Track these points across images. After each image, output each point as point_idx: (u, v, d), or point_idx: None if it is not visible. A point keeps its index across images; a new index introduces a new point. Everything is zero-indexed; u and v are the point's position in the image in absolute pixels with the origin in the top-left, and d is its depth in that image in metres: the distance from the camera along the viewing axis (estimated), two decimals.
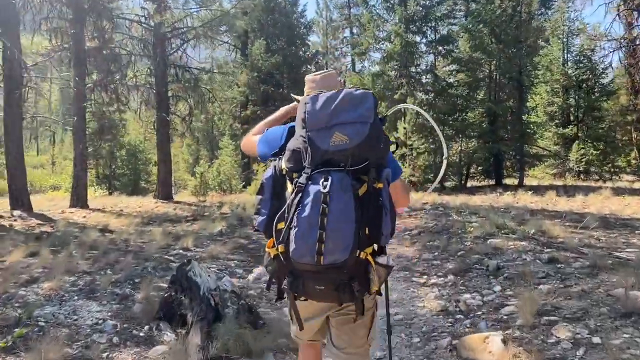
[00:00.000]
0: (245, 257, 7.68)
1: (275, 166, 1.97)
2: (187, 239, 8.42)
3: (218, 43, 30.33)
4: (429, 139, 20.24)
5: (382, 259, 1.91)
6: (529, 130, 21.67)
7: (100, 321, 4.45)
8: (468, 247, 7.43)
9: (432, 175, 21.23)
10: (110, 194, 26.38)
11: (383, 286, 2.10)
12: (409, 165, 18.99)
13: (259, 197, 1.96)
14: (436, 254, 7.41)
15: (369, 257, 1.83)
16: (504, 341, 3.65)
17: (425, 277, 6.25)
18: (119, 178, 27.64)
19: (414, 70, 21.57)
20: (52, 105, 49.09)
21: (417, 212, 11.89)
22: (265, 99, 29.24)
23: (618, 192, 16.00)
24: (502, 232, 8.13)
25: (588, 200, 14.32)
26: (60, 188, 28.35)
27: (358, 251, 1.77)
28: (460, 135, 22.01)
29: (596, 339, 3.76)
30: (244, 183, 26.18)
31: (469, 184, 23.72)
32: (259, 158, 2.27)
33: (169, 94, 18.17)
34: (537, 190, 18.59)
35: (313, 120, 1.88)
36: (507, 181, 22.85)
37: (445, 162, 2.85)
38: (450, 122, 21.82)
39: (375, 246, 1.89)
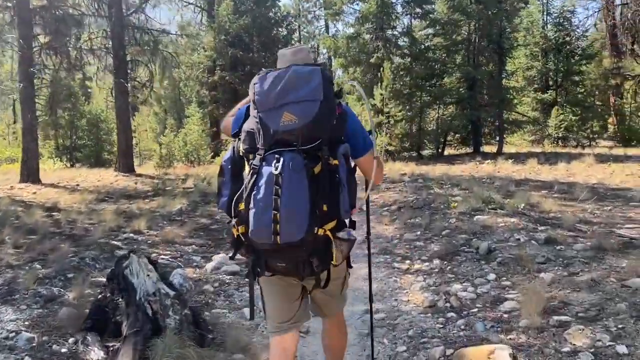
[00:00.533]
0: (206, 240, 6.87)
1: (234, 147, 2.03)
2: (141, 220, 7.54)
3: (182, 4, 28.98)
4: (406, 106, 19.45)
5: (342, 234, 1.93)
6: (508, 96, 21.03)
7: (12, 334, 3.60)
8: (453, 225, 6.76)
9: (408, 144, 20.55)
10: (71, 166, 25.01)
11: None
12: (386, 134, 18.23)
13: (220, 178, 2.04)
14: (419, 233, 6.73)
15: (328, 233, 1.87)
16: (514, 357, 2.95)
17: (408, 262, 5.55)
18: (80, 149, 26.17)
19: (390, 33, 20.57)
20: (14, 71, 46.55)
21: (395, 185, 11.20)
22: (234, 64, 27.86)
23: (601, 159, 15.58)
24: (489, 207, 7.47)
25: (571, 168, 13.85)
26: (18, 160, 26.84)
27: (316, 228, 1.81)
28: (437, 102, 21.26)
29: (621, 348, 3.09)
30: (212, 154, 25.12)
31: (446, 152, 23.15)
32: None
33: (127, 58, 16.85)
34: (517, 158, 18.09)
35: (262, 100, 1.91)
36: (486, 149, 22.33)
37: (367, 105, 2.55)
38: (428, 88, 21.03)
39: (335, 222, 1.90)
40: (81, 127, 25.74)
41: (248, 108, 2.07)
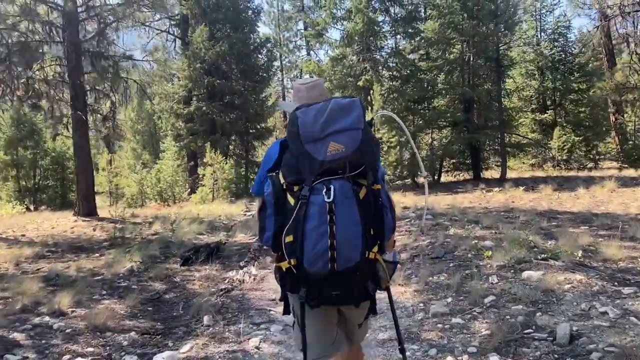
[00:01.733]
0: (152, 323, 4.91)
1: (274, 181, 2.05)
2: (69, 293, 5.56)
3: (154, 32, 27.32)
4: (399, 132, 17.80)
5: (388, 256, 2.05)
6: (508, 117, 19.52)
7: None
8: (497, 288, 4.91)
9: (404, 172, 18.84)
10: (35, 209, 22.83)
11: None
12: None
13: (262, 213, 2.06)
14: (449, 300, 4.86)
15: (377, 256, 1.95)
16: None
17: (450, 358, 3.66)
18: (44, 191, 24.05)
19: (378, 54, 19.10)
20: None
21: (399, 222, 9.36)
22: (211, 93, 26.18)
23: (621, 182, 13.97)
24: (537, 256, 5.65)
25: (595, 194, 12.19)
26: None
27: (367, 252, 1.89)
28: (431, 126, 19.69)
29: None
30: (189, 190, 23.17)
31: (443, 179, 21.50)
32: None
33: (87, 87, 15.02)
34: (525, 184, 16.45)
35: (307, 132, 1.97)
36: (486, 174, 20.74)
37: (425, 181, 2.79)
38: (421, 111, 19.47)
39: (380, 245, 1.97)
40: (45, 167, 23.64)
41: (282, 142, 2.13)
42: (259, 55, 28.06)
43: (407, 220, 9.48)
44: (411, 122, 19.41)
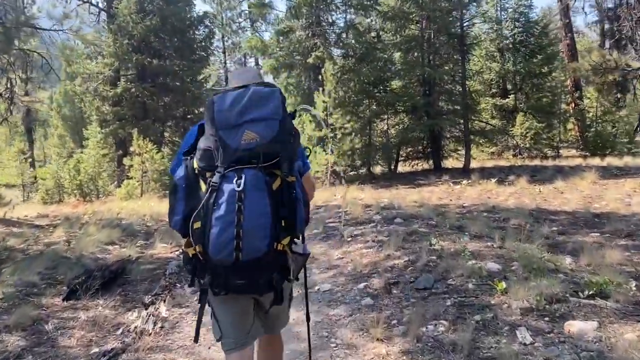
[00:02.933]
0: None
1: (187, 165, 2.04)
2: None
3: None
4: (355, 115, 16.04)
5: (298, 248, 2.05)
6: (472, 102, 18.10)
7: None
8: (538, 356, 3.14)
9: (359, 162, 17.14)
10: None
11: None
12: (332, 151, 14.69)
13: (172, 196, 2.03)
14: None
15: (286, 248, 1.95)
16: None
17: None
18: None
19: (329, 29, 17.18)
20: None
21: (362, 227, 7.58)
22: (142, 74, 23.55)
23: (600, 173, 12.78)
24: (575, 292, 3.95)
25: (577, 187, 10.87)
26: None
27: (275, 243, 1.89)
28: (388, 110, 18.02)
29: None
30: (116, 182, 20.60)
31: (400, 169, 19.97)
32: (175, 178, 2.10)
33: None
34: (491, 174, 15.10)
35: (222, 119, 1.95)
36: (447, 164, 19.34)
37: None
38: (377, 94, 17.73)
39: (290, 237, 1.98)
40: None
41: (200, 126, 2.10)
42: (196, 32, 25.56)
43: (372, 225, 7.68)
44: (366, 106, 17.69)
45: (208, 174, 1.95)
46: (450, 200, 10.33)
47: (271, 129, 1.95)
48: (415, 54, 17.90)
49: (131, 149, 18.60)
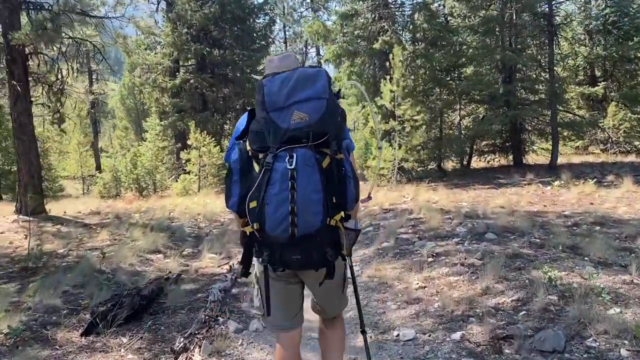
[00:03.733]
0: None
1: (240, 148, 2.15)
2: None
3: None
4: (425, 106, 14.58)
5: (350, 224, 2.12)
6: (560, 90, 16.07)
7: None
8: None
9: (428, 157, 15.66)
10: None
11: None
12: (399, 146, 13.36)
13: (228, 179, 2.16)
14: None
15: (339, 223, 2.02)
16: None
17: None
18: (7, 177, 20.97)
19: (398, 11, 15.73)
20: None
21: (443, 244, 6.27)
22: (201, 64, 23.00)
23: None
24: None
25: None
26: None
27: (328, 219, 1.97)
28: (463, 99, 16.39)
29: None
30: (173, 176, 20.13)
31: (473, 164, 18.30)
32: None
33: (27, 50, 11.83)
34: (582, 172, 13.27)
35: (271, 101, 2.05)
36: (528, 159, 17.45)
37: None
38: (450, 82, 16.14)
39: (343, 213, 2.04)
40: (7, 149, 20.51)
41: (251, 111, 2.23)
42: (256, 20, 24.74)
43: (457, 241, 6.35)
44: (437, 95, 16.16)
45: (260, 155, 2.04)
46: (545, 206, 8.78)
47: (319, 108, 2.01)
48: (494, 37, 16.12)
49: (189, 141, 17.98)
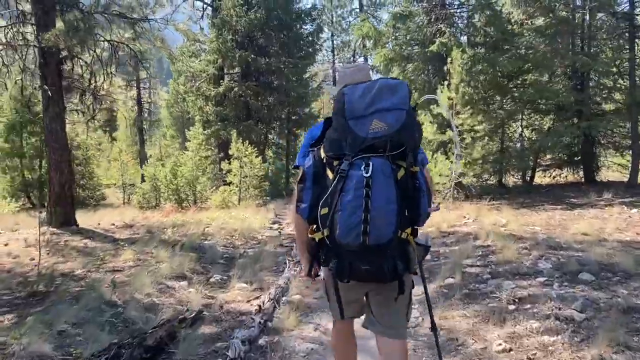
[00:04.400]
0: None
1: (314, 155, 2.20)
2: None
3: None
4: (487, 114, 13.25)
5: (420, 239, 2.12)
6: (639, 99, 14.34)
7: None
8: None
9: (491, 176, 14.28)
10: (31, 207, 19.74)
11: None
12: (459, 158, 12.09)
13: (300, 185, 2.20)
14: None
15: (409, 238, 2.05)
16: None
17: None
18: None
19: (457, 12, 14.48)
20: None
21: (525, 279, 5.04)
22: (245, 72, 22.36)
23: None
24: None
25: None
26: None
27: (400, 231, 1.97)
28: (527, 109, 14.92)
29: None
30: (215, 187, 19.43)
31: (537, 180, 16.74)
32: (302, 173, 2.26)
33: (61, 54, 11.31)
34: None
35: (352, 109, 2.04)
36: (601, 175, 15.75)
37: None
38: (513, 89, 14.70)
39: (411, 227, 2.07)
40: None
41: (327, 120, 2.22)
42: (304, 26, 23.94)
43: (542, 281, 5.08)
44: (499, 104, 14.77)
45: (335, 162, 2.04)
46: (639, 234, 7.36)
47: (399, 118, 1.99)
48: (564, 39, 14.60)
49: (230, 151, 17.23)
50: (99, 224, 13.39)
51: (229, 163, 16.99)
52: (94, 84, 11.23)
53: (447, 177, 12.36)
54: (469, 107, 12.07)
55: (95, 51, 11.12)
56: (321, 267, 2.28)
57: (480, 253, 6.63)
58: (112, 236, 10.78)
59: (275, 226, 12.24)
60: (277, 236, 10.87)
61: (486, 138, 12.03)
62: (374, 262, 1.97)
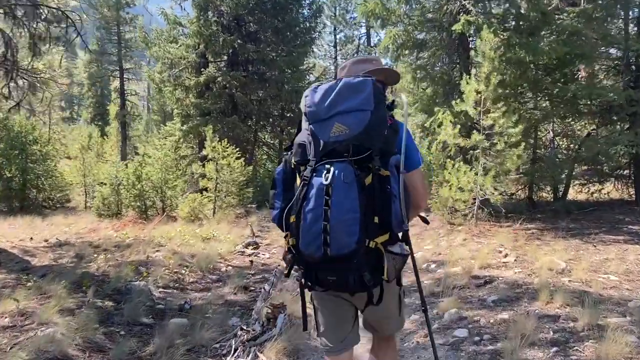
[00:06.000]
0: None
1: (286, 160, 2.16)
2: None
3: None
4: (521, 114, 10.65)
5: (395, 247, 1.99)
6: None
7: None
8: None
9: (517, 191, 11.70)
10: None
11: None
12: (484, 169, 9.51)
13: (272, 191, 2.18)
14: None
15: (380, 246, 1.91)
16: None
17: None
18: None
19: None
20: None
21: None
22: (232, 60, 19.75)
23: None
24: None
25: None
26: None
27: (367, 240, 1.87)
28: (564, 110, 12.27)
29: None
30: (193, 190, 16.81)
31: (571, 196, 14.15)
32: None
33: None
34: None
35: (313, 112, 2.04)
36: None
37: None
38: (546, 87, 12.02)
39: (388, 235, 1.96)
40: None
41: (299, 122, 2.18)
42: (300, 10, 21.33)
43: None
44: (532, 103, 12.18)
45: (302, 168, 2.02)
46: None
47: (362, 120, 1.94)
48: (614, 24, 11.98)
49: (204, 151, 14.61)
50: (31, 238, 10.85)
51: (202, 165, 14.40)
52: (9, 57, 8.55)
53: (471, 192, 9.78)
54: (502, 103, 9.45)
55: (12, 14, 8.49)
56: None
57: (552, 334, 4.06)
58: (28, 261, 8.26)
59: (250, 250, 9.65)
60: (248, 267, 8.31)
61: (523, 144, 9.42)
62: (339, 273, 1.93)
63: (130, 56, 34.20)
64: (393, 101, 2.12)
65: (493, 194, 9.54)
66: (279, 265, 7.79)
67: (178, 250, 8.82)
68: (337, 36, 44.92)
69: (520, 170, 11.56)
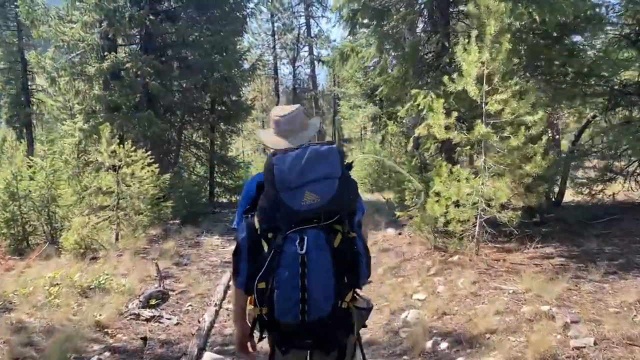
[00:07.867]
0: None
1: (249, 224, 2.10)
2: None
3: None
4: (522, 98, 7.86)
5: (361, 303, 2.07)
6: None
7: None
8: None
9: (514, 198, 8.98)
10: None
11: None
12: (491, 174, 6.72)
13: (236, 257, 2.13)
14: None
15: (350, 304, 2.01)
16: None
17: None
18: None
19: None
20: None
21: None
22: (147, 43, 16.15)
23: None
24: None
25: None
26: None
27: (340, 301, 1.96)
28: (566, 91, 9.66)
29: None
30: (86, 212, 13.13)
31: (569, 196, 11.70)
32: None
33: None
34: None
35: (282, 180, 2.00)
36: None
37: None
38: (556, 56, 9.32)
39: (352, 291, 2.03)
40: None
41: (258, 183, 2.14)
42: None
43: None
44: (543, 81, 9.48)
45: (270, 235, 1.99)
46: None
47: (330, 188, 1.98)
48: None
49: (99, 157, 11.05)
50: None
51: (96, 174, 10.92)
52: None
53: (475, 206, 6.96)
54: (514, 80, 6.65)
55: None
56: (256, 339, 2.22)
57: None
58: None
59: (147, 311, 6.36)
60: (138, 350, 5.10)
61: (544, 137, 6.69)
62: (315, 336, 1.96)
63: (34, 45, 29.49)
64: (351, 162, 2.14)
65: (506, 209, 6.74)
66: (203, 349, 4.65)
67: (26, 322, 5.48)
68: (275, 25, 41.83)
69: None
